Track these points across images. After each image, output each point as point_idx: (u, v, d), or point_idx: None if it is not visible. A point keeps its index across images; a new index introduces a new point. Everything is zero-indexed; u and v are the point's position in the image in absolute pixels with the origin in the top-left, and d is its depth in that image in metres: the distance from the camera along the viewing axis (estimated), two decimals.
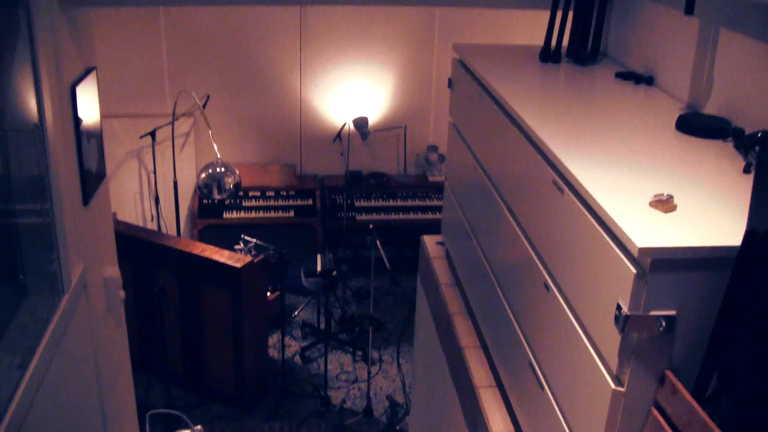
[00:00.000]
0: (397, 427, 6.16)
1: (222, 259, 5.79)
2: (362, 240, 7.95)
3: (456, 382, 3.22)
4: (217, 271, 5.82)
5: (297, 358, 6.95)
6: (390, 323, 7.53)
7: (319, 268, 6.71)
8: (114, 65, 7.42)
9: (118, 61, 7.43)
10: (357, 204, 7.89)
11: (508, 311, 2.74)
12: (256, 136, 8.04)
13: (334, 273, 6.05)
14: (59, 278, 2.87)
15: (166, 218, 7.70)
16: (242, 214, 7.67)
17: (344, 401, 6.39)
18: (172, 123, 7.05)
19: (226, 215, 7.61)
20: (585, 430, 2.09)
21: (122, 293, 3.53)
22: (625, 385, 1.88)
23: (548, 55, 3.40)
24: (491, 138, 3.00)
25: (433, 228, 8.36)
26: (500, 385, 2.95)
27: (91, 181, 3.20)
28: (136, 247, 6.11)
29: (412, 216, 7.88)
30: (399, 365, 6.89)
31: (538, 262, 2.45)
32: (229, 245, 7.78)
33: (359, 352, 7.04)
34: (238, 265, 5.72)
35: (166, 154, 7.53)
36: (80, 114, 3.02)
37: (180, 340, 6.26)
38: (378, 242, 5.57)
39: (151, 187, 7.69)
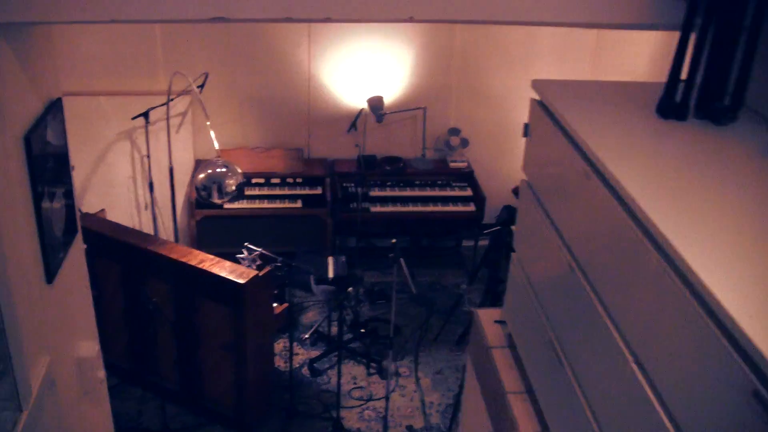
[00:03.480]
0: None
1: (223, 273, 5.07)
2: (375, 230, 7.27)
3: None
4: (218, 285, 5.11)
5: (305, 370, 6.27)
6: (406, 327, 6.84)
7: (330, 274, 5.99)
8: (101, 35, 6.63)
9: (106, 31, 6.63)
10: (371, 194, 7.16)
11: None
12: (260, 116, 7.28)
13: (350, 290, 5.33)
14: (15, 395, 2.16)
15: (161, 207, 6.98)
16: (244, 204, 6.94)
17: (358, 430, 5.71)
18: (167, 104, 6.29)
19: (227, 205, 6.87)
20: None
21: (101, 373, 2.83)
22: None
23: (670, 107, 2.50)
24: (585, 216, 2.27)
25: (453, 223, 7.75)
26: None
27: (57, 249, 2.46)
28: (126, 252, 5.40)
29: (431, 207, 7.17)
30: (417, 379, 6.22)
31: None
32: (228, 239, 7.10)
33: (373, 364, 6.36)
34: (242, 280, 5.01)
35: (160, 135, 6.78)
36: (37, 168, 2.28)
37: (175, 355, 5.57)
38: (402, 261, 4.84)
39: (144, 172, 6.94)
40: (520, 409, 2.57)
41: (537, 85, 2.71)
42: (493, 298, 5.71)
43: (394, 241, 4.96)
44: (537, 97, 2.73)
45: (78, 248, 2.74)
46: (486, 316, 3.03)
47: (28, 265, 2.26)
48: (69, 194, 2.62)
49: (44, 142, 2.37)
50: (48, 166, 2.40)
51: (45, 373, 2.35)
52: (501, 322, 2.98)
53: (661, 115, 2.50)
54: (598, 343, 2.12)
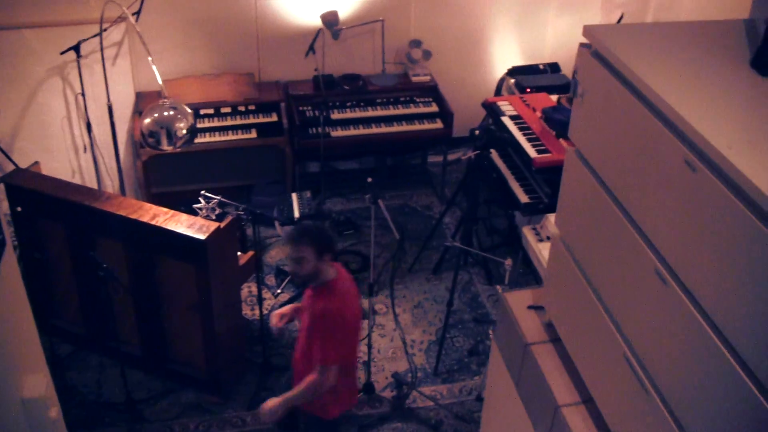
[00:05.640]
0: (406, 405, 5.15)
1: (181, 229, 4.56)
2: (338, 153, 6.81)
3: None
4: (176, 242, 4.60)
5: None
6: (378, 257, 6.40)
7: (296, 214, 5.52)
8: None
9: None
10: (332, 116, 6.62)
11: None
12: (205, 40, 6.63)
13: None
14: None
15: (102, 149, 6.38)
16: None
17: None
18: (100, 35, 5.63)
19: None
20: None
21: (55, 411, 2.34)
22: None
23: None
24: (685, 216, 1.77)
25: (421, 142, 7.20)
26: None
27: None
28: (69, 210, 4.84)
29: (396, 127, 6.69)
30: (395, 316, 5.82)
31: None
32: (179, 178, 6.58)
33: None
34: (202, 236, 4.51)
35: (95, 69, 6.12)
36: None
37: (135, 317, 5.09)
38: (382, 204, 4.36)
39: (80, 111, 6.31)
40: (579, 426, 2.13)
41: (591, 32, 2.12)
42: (466, 233, 5.36)
43: (369, 180, 4.49)
44: (591, 47, 2.15)
45: (8, 266, 2.21)
46: (516, 302, 2.54)
47: None
48: None
49: None
50: None
51: None
52: (537, 308, 2.50)
53: (760, 70, 1.96)
54: (708, 373, 1.67)
